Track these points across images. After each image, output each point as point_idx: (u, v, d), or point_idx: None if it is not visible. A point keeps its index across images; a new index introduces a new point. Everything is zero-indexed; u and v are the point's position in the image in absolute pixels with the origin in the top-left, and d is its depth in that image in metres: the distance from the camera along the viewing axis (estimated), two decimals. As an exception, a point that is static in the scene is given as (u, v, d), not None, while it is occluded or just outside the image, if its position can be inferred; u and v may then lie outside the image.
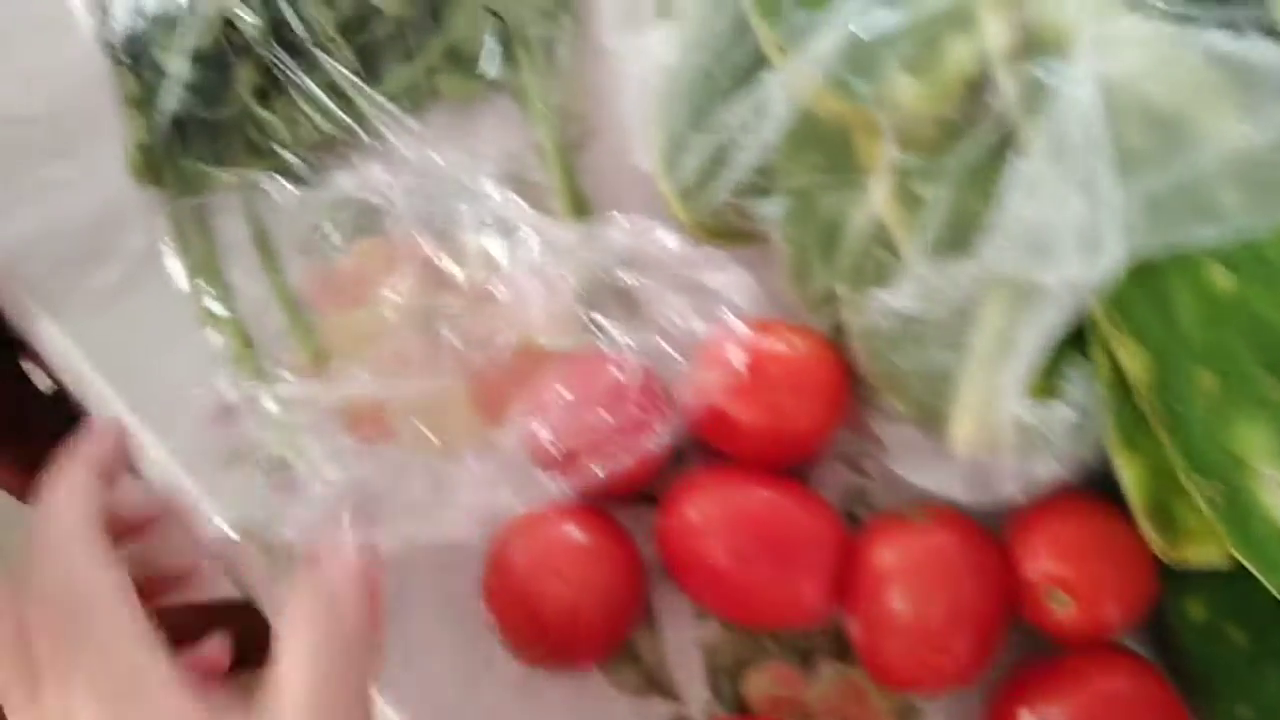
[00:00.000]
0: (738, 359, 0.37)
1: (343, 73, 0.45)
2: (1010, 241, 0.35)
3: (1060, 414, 0.36)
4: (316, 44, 0.46)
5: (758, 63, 0.43)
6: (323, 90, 0.45)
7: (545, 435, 0.38)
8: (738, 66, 0.43)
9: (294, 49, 0.46)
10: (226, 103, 0.46)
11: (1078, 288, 0.35)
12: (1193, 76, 0.36)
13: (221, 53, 0.46)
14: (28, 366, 0.60)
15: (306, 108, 0.46)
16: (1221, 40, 0.35)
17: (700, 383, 0.38)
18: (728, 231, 0.43)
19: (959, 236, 0.38)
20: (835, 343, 0.41)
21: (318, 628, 0.31)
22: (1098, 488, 0.39)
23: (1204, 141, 0.35)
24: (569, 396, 0.39)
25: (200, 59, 0.46)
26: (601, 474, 0.37)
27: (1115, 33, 0.36)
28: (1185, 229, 0.34)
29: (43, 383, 0.60)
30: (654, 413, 0.38)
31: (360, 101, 0.46)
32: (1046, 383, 0.36)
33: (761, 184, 0.42)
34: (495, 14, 0.46)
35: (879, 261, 0.41)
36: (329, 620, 0.31)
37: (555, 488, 0.37)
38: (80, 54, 0.49)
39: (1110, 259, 0.34)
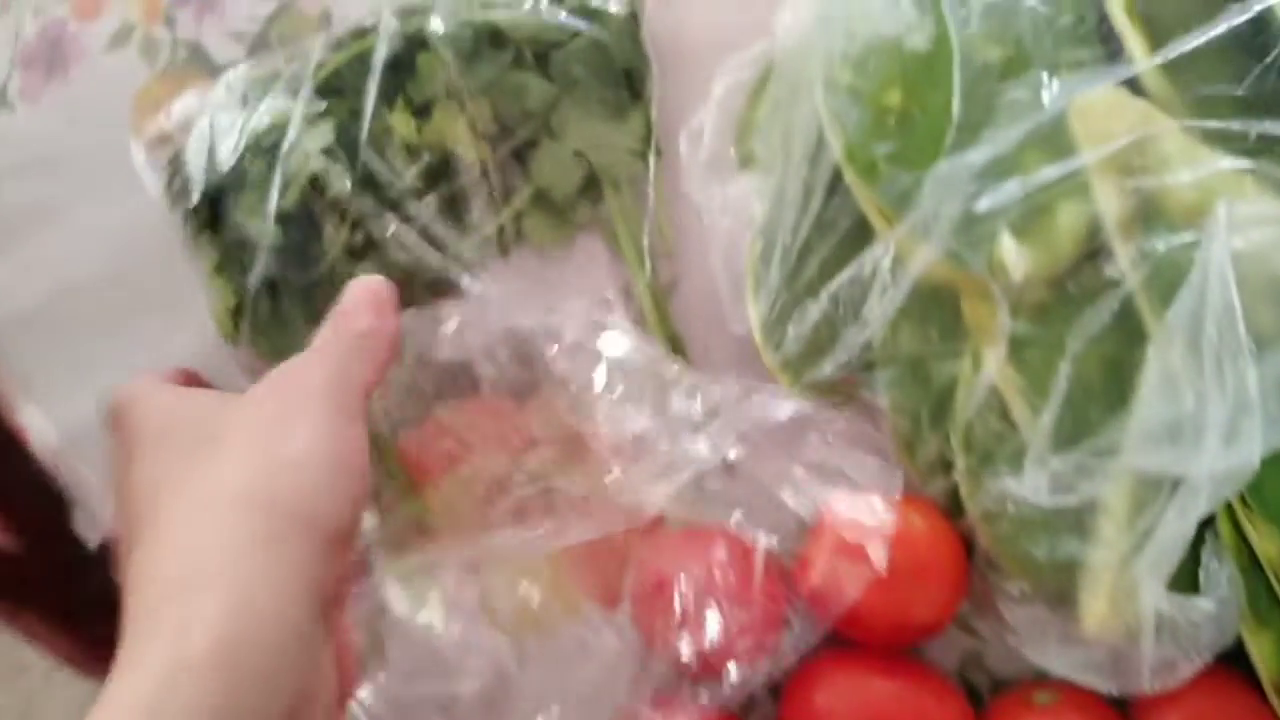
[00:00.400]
0: (877, 556, 0.36)
1: (430, 224, 0.44)
2: (1150, 438, 0.34)
3: (1201, 606, 0.35)
4: (402, 196, 0.45)
5: (855, 223, 0.43)
6: (412, 243, 0.44)
7: (674, 633, 0.37)
8: (832, 225, 0.43)
9: (381, 202, 0.45)
10: (317, 262, 0.45)
11: (1218, 480, 0.34)
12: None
13: (308, 211, 0.45)
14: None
15: (397, 261, 0.45)
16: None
17: (836, 575, 0.37)
18: (832, 397, 0.42)
19: (1081, 415, 0.38)
20: (952, 514, 0.41)
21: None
22: (1228, 661, 0.38)
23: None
24: (693, 583, 0.38)
25: (286, 219, 0.45)
26: (737, 679, 0.36)
27: (1243, 210, 0.35)
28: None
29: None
30: (782, 602, 0.37)
31: (449, 252, 0.45)
32: (1186, 573, 0.36)
33: (868, 353, 0.41)
34: (582, 154, 0.45)
35: (995, 432, 0.40)
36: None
37: (687, 692, 0.36)
38: (154, 212, 0.48)
39: (1249, 451, 0.33)
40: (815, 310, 0.41)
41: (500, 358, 0.45)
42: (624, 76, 0.46)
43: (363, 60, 0.45)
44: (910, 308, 0.41)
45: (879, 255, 0.41)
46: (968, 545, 0.41)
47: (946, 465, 0.41)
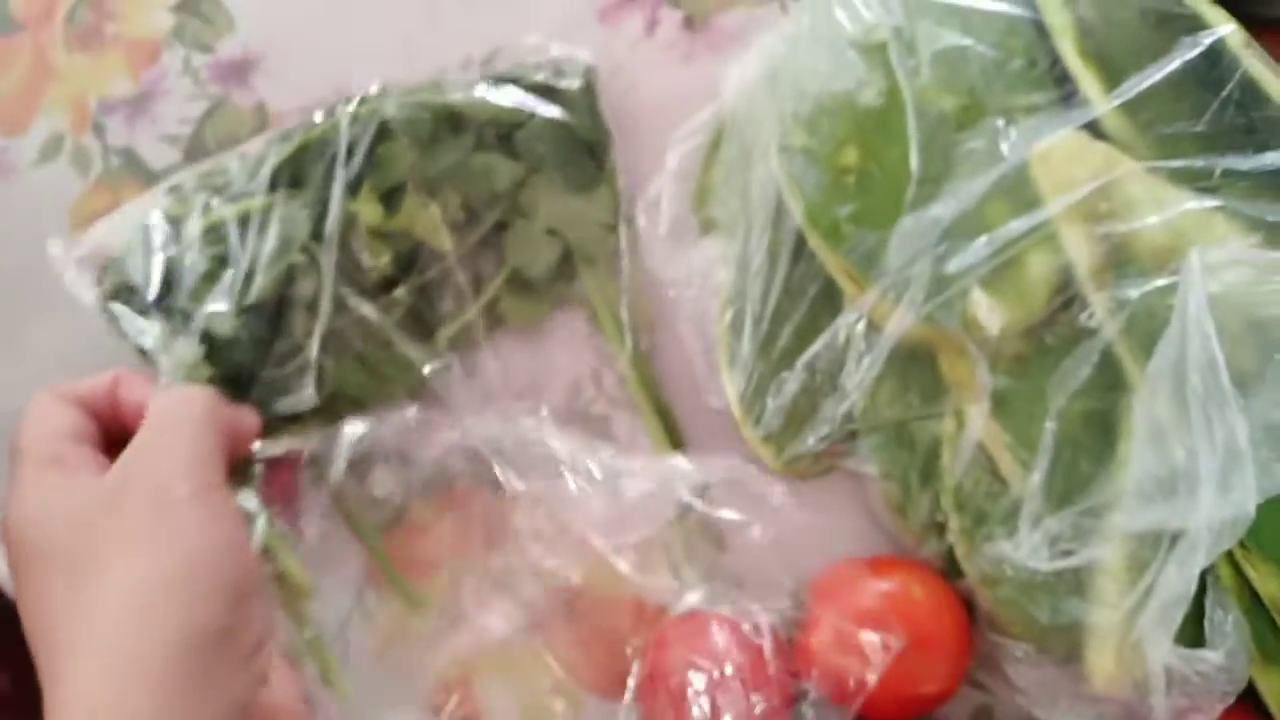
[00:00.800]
0: (886, 634, 0.36)
1: (403, 315, 0.43)
2: (1143, 495, 0.34)
3: (1210, 658, 0.35)
4: (373, 288, 0.44)
5: (823, 286, 0.42)
6: (386, 335, 0.43)
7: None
8: (801, 290, 0.42)
9: (352, 294, 0.44)
10: (286, 356, 0.43)
11: (1216, 531, 0.34)
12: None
13: (276, 305, 0.44)
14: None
15: (369, 354, 0.44)
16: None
17: (846, 656, 0.36)
18: (817, 467, 0.41)
19: (1071, 470, 0.37)
20: (950, 575, 0.40)
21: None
22: (1241, 697, 0.38)
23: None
24: (702, 670, 0.37)
25: (252, 313, 0.43)
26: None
27: (1215, 254, 0.35)
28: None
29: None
30: (791, 683, 0.37)
31: (423, 343, 0.44)
32: (1191, 622, 0.35)
33: (850, 421, 0.40)
34: (554, 232, 0.44)
35: (986, 489, 0.39)
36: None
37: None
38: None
39: (1245, 500, 0.33)
40: (792, 382, 0.40)
41: (474, 454, 0.44)
42: (587, 150, 0.45)
43: (319, 150, 0.44)
44: (888, 370, 0.40)
45: (851, 320, 0.40)
46: (969, 606, 0.40)
47: (941, 526, 0.41)
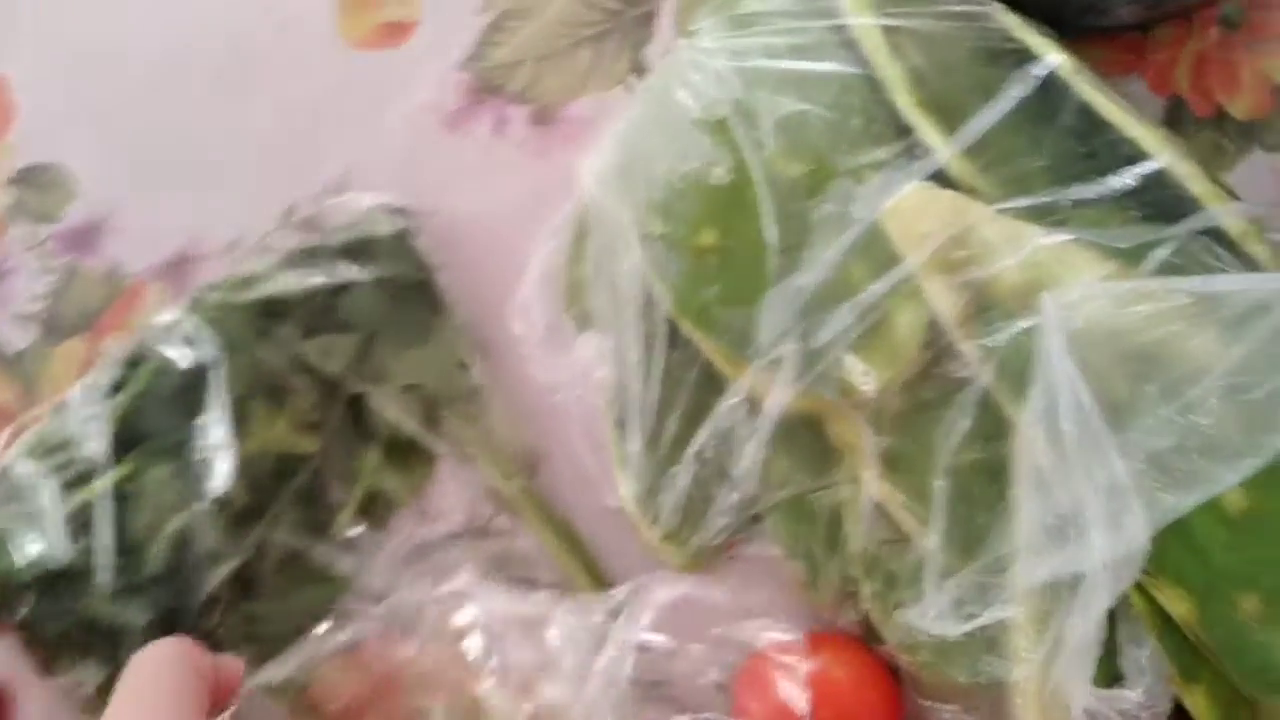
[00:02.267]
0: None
1: (296, 528, 0.42)
2: (1035, 547, 0.34)
3: (1130, 696, 0.35)
4: (255, 511, 0.42)
5: (702, 372, 0.41)
6: (288, 551, 0.42)
7: None
8: (680, 379, 0.41)
9: (241, 527, 0.42)
10: (199, 611, 0.41)
11: (1113, 570, 0.34)
12: (1160, 311, 0.36)
13: (176, 566, 0.41)
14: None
15: (280, 577, 0.42)
16: (1176, 281, 0.35)
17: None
18: (721, 557, 0.41)
19: (968, 525, 0.37)
20: (871, 640, 0.40)
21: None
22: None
23: (1189, 373, 0.35)
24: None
25: (157, 581, 0.41)
26: None
27: (1070, 294, 0.35)
28: (1200, 479, 0.34)
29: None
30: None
31: (325, 544, 0.42)
32: (1107, 659, 0.35)
33: (748, 507, 0.40)
34: (412, 387, 0.43)
35: (892, 550, 0.39)
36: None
37: None
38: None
39: (1136, 535, 0.33)
40: (683, 475, 0.40)
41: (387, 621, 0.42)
42: (416, 295, 0.45)
43: (153, 393, 0.42)
44: (778, 447, 0.40)
45: (733, 404, 0.40)
46: (895, 670, 0.40)
47: (854, 594, 0.40)
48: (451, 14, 0.51)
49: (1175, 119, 0.48)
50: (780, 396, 0.39)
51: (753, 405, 0.40)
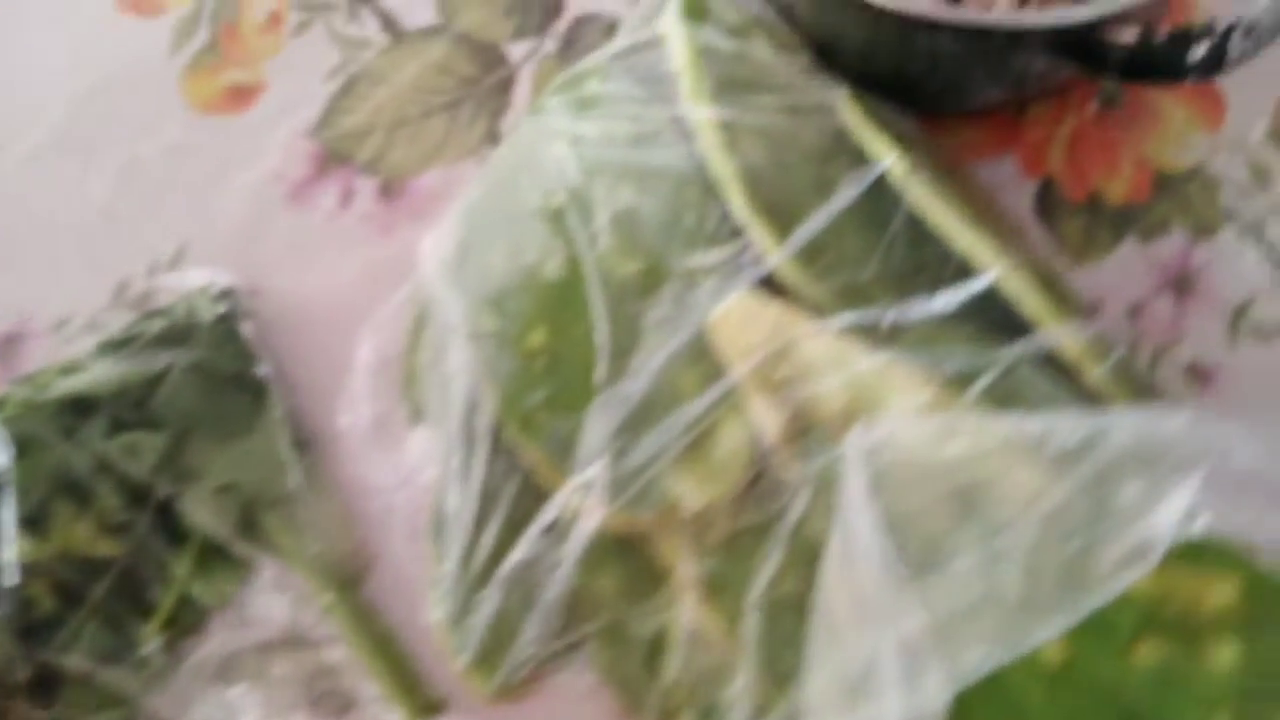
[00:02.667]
0: None
1: (92, 643, 0.40)
2: (828, 702, 0.32)
3: None
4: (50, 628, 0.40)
5: (524, 484, 0.39)
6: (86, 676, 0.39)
7: None
8: (499, 490, 0.39)
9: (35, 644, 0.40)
10: None
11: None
12: (977, 447, 0.34)
13: None
14: None
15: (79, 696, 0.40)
16: (990, 419, 0.33)
17: None
18: (536, 686, 0.39)
19: (780, 664, 0.35)
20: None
21: None
22: None
23: (1004, 518, 0.33)
24: None
25: None
26: None
27: (879, 429, 0.33)
28: (1009, 634, 0.32)
29: None
30: None
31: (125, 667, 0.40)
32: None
33: (564, 631, 0.38)
34: (228, 487, 0.41)
35: (711, 678, 0.37)
36: None
37: None
38: None
39: (934, 694, 0.31)
40: (491, 600, 0.38)
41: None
42: (237, 385, 0.42)
43: None
44: (596, 568, 0.38)
45: (548, 521, 0.38)
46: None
47: (680, 711, 0.39)
48: (300, 79, 0.49)
49: (1046, 203, 0.46)
50: (596, 515, 0.37)
51: (568, 522, 0.38)
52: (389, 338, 0.44)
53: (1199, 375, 0.44)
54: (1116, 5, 0.38)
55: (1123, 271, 0.45)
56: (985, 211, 0.43)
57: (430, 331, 0.44)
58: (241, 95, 0.49)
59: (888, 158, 0.38)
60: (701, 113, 0.40)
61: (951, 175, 0.44)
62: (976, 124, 0.47)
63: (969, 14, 0.38)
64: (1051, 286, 0.39)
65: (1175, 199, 0.46)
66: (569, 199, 0.41)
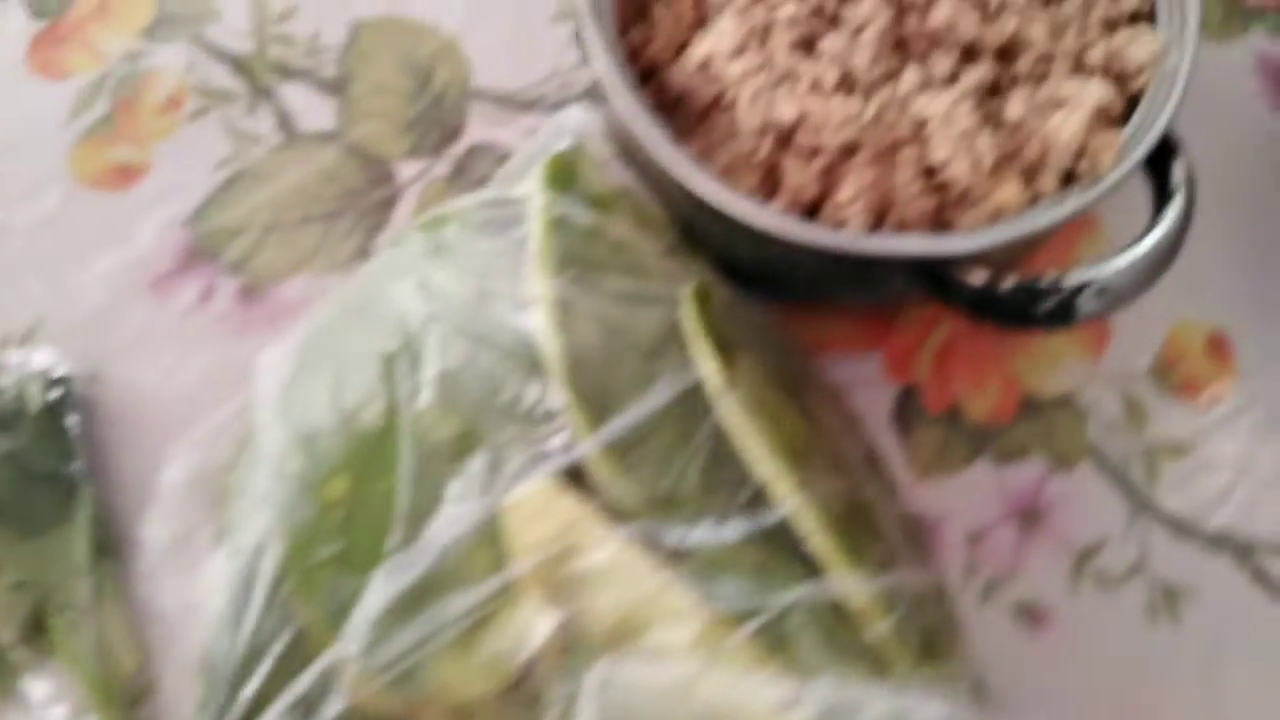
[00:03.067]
0: None
1: None
2: None
3: None
4: None
5: (294, 641, 0.38)
6: None
7: None
8: (267, 645, 0.38)
9: None
10: None
11: None
12: (722, 699, 0.33)
13: None
14: None
15: None
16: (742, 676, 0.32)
17: None
18: None
19: None
20: None
21: None
22: None
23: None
24: None
25: None
26: None
27: (624, 670, 0.32)
28: None
29: None
30: None
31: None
32: None
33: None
34: (20, 585, 0.40)
35: None
36: None
37: None
38: None
39: None
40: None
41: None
42: (51, 480, 0.42)
43: None
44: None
45: (303, 688, 0.37)
46: None
47: None
48: (186, 166, 0.48)
49: (905, 409, 0.45)
50: (351, 692, 0.36)
51: (323, 694, 0.36)
52: (213, 449, 0.43)
53: (1032, 616, 0.42)
54: (961, 247, 0.37)
55: (971, 493, 0.44)
56: (829, 414, 0.42)
57: (249, 453, 0.43)
58: (126, 174, 0.48)
59: (708, 366, 0.37)
60: (541, 286, 0.39)
61: (799, 372, 0.43)
62: (848, 316, 0.46)
63: (816, 235, 0.37)
64: (861, 519, 0.38)
65: (1039, 424, 0.45)
66: (403, 345, 0.40)
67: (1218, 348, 0.46)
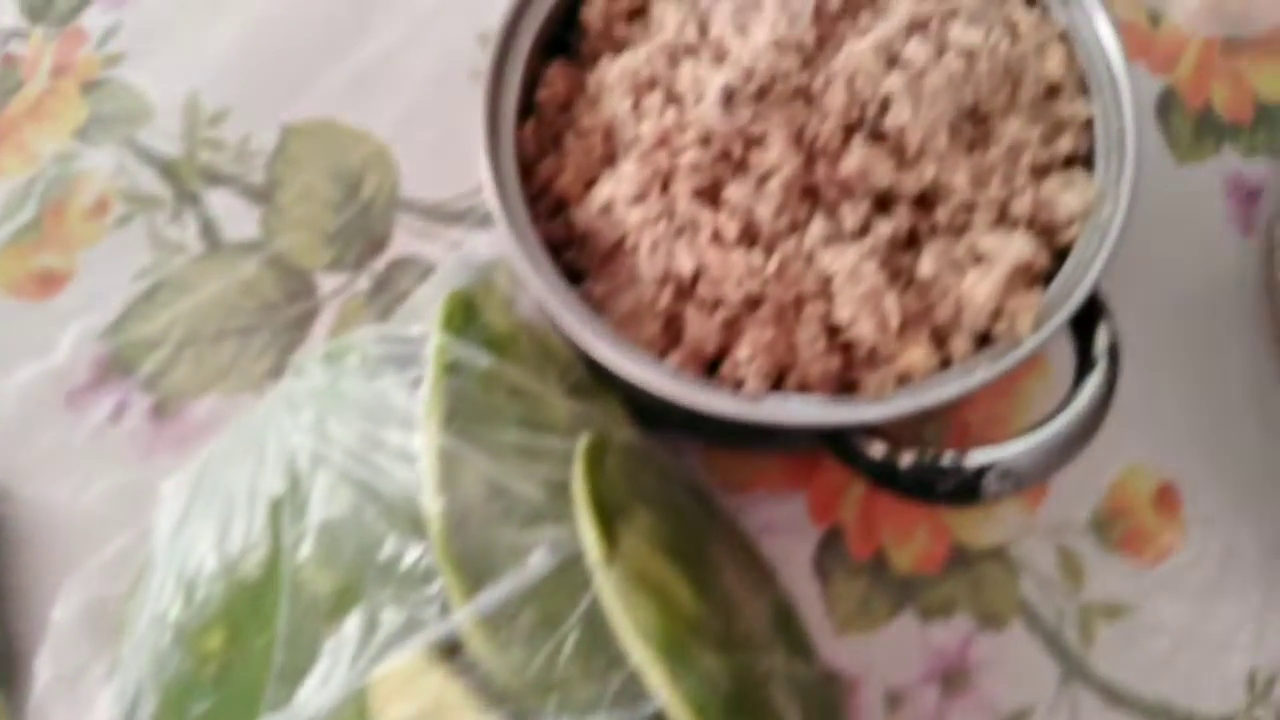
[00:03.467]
0: None
1: None
2: None
3: None
4: None
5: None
6: None
7: None
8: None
9: None
10: None
11: None
12: None
13: None
14: None
15: None
16: None
17: None
18: None
19: None
20: None
21: None
22: None
23: None
24: None
25: None
26: None
27: None
28: None
29: None
30: None
31: None
32: None
33: None
34: None
35: None
36: None
37: None
38: None
39: None
40: None
41: None
42: None
43: None
44: None
45: None
46: None
47: None
48: (108, 275, 0.47)
49: (827, 555, 0.43)
50: None
51: None
52: (112, 579, 0.43)
53: (948, 787, 0.40)
54: (855, 418, 0.34)
55: (892, 649, 0.42)
56: (737, 573, 0.40)
57: (144, 585, 0.42)
58: (49, 282, 0.48)
59: (587, 535, 0.35)
60: (427, 439, 0.37)
61: (711, 522, 0.41)
62: (771, 455, 0.44)
63: (699, 399, 0.35)
64: (754, 700, 0.36)
65: (968, 578, 0.42)
66: (290, 489, 0.39)
67: (1166, 500, 0.43)
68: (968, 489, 0.34)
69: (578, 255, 0.40)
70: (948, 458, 0.34)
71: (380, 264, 0.47)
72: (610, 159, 0.40)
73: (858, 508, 0.43)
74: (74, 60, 0.51)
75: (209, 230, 0.48)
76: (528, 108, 0.41)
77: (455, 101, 0.49)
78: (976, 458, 0.34)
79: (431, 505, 0.36)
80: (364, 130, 0.49)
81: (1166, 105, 0.47)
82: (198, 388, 0.46)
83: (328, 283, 0.47)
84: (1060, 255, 0.37)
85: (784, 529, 0.43)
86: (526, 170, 0.40)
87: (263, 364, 0.46)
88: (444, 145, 0.49)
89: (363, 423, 0.39)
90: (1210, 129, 0.47)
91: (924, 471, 0.34)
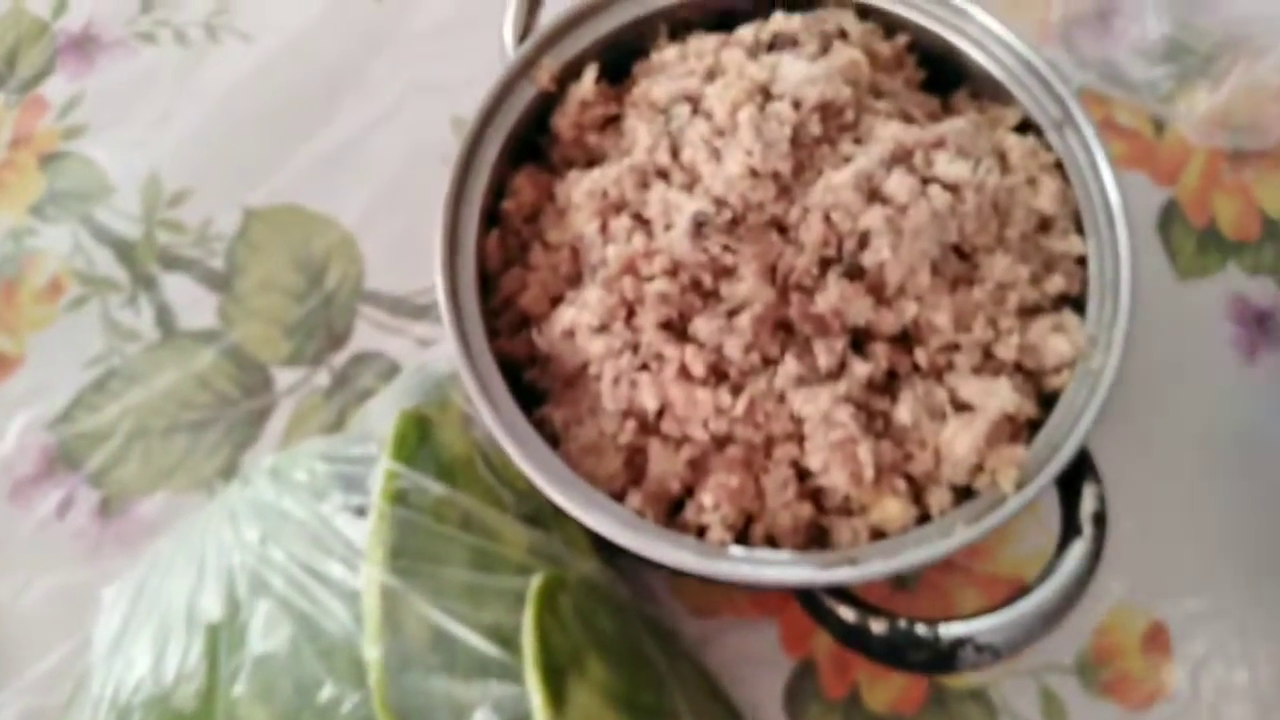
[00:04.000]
0: None
1: None
2: None
3: None
4: None
5: None
6: None
7: None
8: None
9: None
10: None
11: None
12: None
13: None
14: None
15: None
16: None
17: None
18: None
19: None
20: None
21: None
22: None
23: None
24: None
25: None
26: None
27: None
28: None
29: None
30: None
31: None
32: None
33: None
34: None
35: None
36: None
37: None
38: None
39: None
40: None
41: None
42: None
43: None
44: None
45: None
46: None
47: None
48: (59, 361, 0.46)
49: (800, 691, 0.41)
50: None
51: None
52: (50, 688, 0.41)
53: None
54: (821, 580, 0.32)
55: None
56: (702, 713, 0.38)
57: (81, 698, 0.40)
58: (-4, 366, 0.46)
59: (534, 700, 0.33)
60: (370, 574, 0.35)
61: (672, 663, 0.39)
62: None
63: (655, 551, 0.33)
64: None
65: (944, 716, 0.40)
66: (228, 615, 0.37)
67: (1156, 640, 0.41)
68: (943, 661, 0.32)
69: (540, 375, 0.38)
70: (922, 629, 0.32)
71: (340, 359, 0.45)
72: (577, 277, 0.37)
73: (831, 643, 0.41)
74: (34, 131, 0.49)
75: (164, 317, 0.46)
76: (495, 214, 0.39)
77: (426, 187, 0.46)
78: (953, 630, 0.32)
79: (370, 651, 0.34)
80: (330, 216, 0.47)
81: (1169, 218, 0.45)
82: (147, 485, 0.44)
83: (285, 377, 0.45)
84: (1047, 401, 0.35)
85: (755, 659, 0.41)
86: (490, 281, 0.39)
87: (214, 462, 0.44)
88: (411, 234, 0.46)
89: (306, 549, 0.37)
90: (1214, 244, 0.45)
91: (897, 640, 0.32)
